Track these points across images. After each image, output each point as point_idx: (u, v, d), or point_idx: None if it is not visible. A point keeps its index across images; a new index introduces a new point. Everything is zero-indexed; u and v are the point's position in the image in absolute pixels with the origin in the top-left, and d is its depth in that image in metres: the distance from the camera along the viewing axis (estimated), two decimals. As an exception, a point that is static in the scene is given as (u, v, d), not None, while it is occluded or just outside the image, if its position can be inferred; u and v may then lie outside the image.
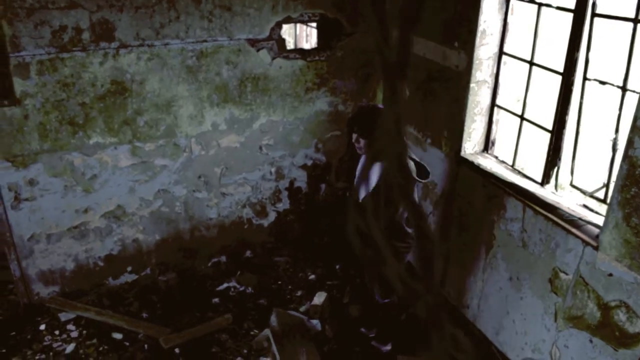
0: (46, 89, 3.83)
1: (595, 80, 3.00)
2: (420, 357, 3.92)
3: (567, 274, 3.13)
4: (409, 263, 3.72)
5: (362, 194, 3.53)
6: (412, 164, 3.41)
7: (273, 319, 4.10)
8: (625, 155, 2.67)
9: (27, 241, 4.19)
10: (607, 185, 3.06)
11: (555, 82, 3.31)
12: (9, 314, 4.32)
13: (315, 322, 4.19)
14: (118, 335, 4.11)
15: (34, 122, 3.88)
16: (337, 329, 4.19)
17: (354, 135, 3.41)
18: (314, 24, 4.93)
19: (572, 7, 3.08)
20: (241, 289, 4.70)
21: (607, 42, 3.98)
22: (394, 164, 1.10)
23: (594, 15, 2.97)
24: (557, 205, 3.25)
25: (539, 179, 3.54)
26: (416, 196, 3.56)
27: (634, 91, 2.74)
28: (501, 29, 3.64)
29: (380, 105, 3.48)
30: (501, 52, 3.70)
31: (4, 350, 3.93)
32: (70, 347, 3.99)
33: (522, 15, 3.67)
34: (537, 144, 4.22)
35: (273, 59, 4.43)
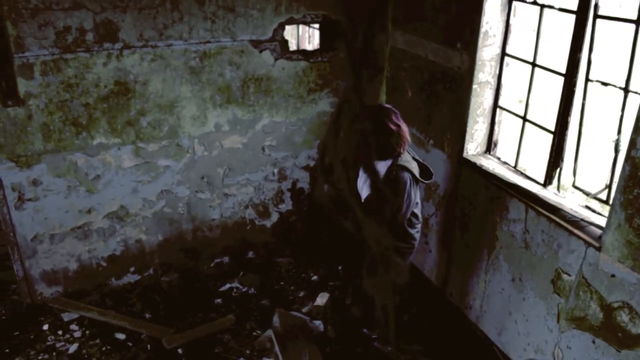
0: (50, 89, 3.84)
1: (597, 81, 3.00)
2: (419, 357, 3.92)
3: (569, 275, 3.13)
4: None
5: (365, 193, 3.55)
6: (415, 165, 3.42)
7: (275, 320, 4.11)
8: (628, 156, 2.67)
9: (31, 241, 4.20)
10: (609, 187, 3.06)
11: (557, 84, 3.31)
12: (12, 314, 4.34)
13: (317, 322, 4.20)
14: (121, 336, 4.12)
15: (38, 122, 3.89)
16: (339, 330, 4.19)
17: None
18: (317, 25, 4.93)
19: (575, 8, 3.09)
20: (244, 289, 4.70)
21: (609, 44, 3.98)
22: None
23: (596, 16, 2.97)
24: (559, 206, 3.25)
25: (542, 180, 3.54)
26: (418, 198, 3.56)
27: (636, 92, 2.75)
28: (503, 30, 3.65)
29: (388, 105, 3.48)
30: (504, 54, 3.70)
31: (7, 350, 3.95)
32: (73, 347, 4.00)
33: (524, 16, 3.67)
34: (539, 145, 4.22)
35: (276, 60, 4.44)
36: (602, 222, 2.99)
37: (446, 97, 4.04)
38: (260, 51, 4.36)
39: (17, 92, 3.77)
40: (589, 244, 2.96)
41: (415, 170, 3.38)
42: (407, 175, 3.30)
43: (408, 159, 3.39)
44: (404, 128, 3.34)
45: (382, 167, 3.40)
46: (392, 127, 3.28)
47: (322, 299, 4.35)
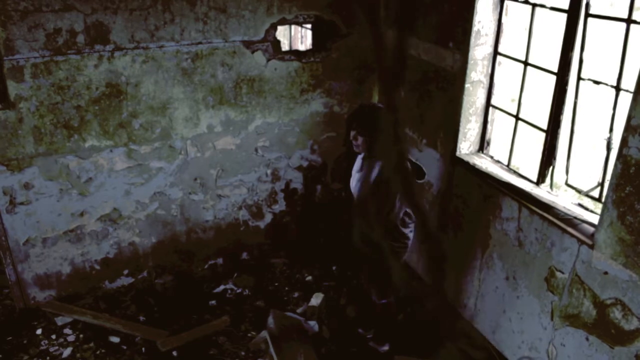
0: (41, 92, 3.81)
1: (589, 80, 3.02)
2: (418, 359, 3.92)
3: (563, 272, 3.15)
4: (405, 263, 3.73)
5: (357, 192, 3.55)
6: (407, 165, 3.43)
7: (270, 321, 4.10)
8: (620, 154, 2.68)
9: (23, 245, 4.17)
10: (601, 184, 3.08)
11: (549, 82, 3.33)
12: (5, 318, 4.30)
13: (312, 323, 4.19)
14: (115, 339, 4.10)
15: (29, 125, 3.87)
16: (334, 330, 4.19)
17: (352, 133, 3.42)
18: (309, 26, 4.93)
19: (566, 7, 3.10)
20: (238, 290, 4.69)
21: (600, 42, 4.00)
22: (394, 165, 1.13)
23: (587, 15, 2.99)
24: (552, 204, 3.27)
25: (535, 179, 3.56)
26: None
27: (627, 91, 2.76)
28: (496, 29, 3.66)
29: (381, 105, 3.49)
30: (496, 53, 3.71)
31: (0, 356, 3.91)
32: (67, 352, 3.98)
33: (516, 15, 3.69)
34: (532, 144, 4.24)
35: (268, 60, 4.43)
36: (594, 219, 3.01)
37: (439, 96, 4.05)
38: (253, 52, 4.35)
39: (8, 95, 3.74)
40: (582, 242, 2.98)
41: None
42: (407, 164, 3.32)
43: None
44: None
45: (375, 167, 3.41)
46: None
47: (316, 300, 4.35)
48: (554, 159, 3.44)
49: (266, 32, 4.33)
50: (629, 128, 2.62)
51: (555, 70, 3.25)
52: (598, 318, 2.94)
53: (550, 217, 3.19)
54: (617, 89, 2.85)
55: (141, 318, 4.34)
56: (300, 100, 4.68)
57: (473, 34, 3.62)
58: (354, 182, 3.60)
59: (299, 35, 6.96)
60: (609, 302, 2.86)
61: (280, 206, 5.05)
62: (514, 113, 3.68)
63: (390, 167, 3.33)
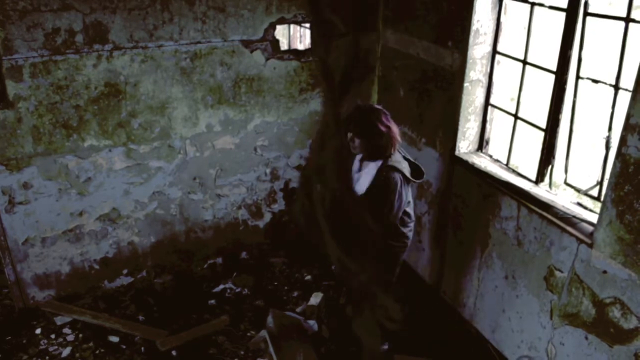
0: (39, 91, 3.81)
1: (588, 78, 3.02)
2: (418, 358, 3.93)
3: (562, 271, 3.15)
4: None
5: (356, 193, 3.55)
6: (406, 165, 3.42)
7: (270, 320, 4.10)
8: (619, 153, 2.68)
9: (22, 245, 4.17)
10: (600, 183, 3.08)
11: (548, 81, 3.33)
12: (4, 318, 4.30)
13: (311, 322, 4.20)
14: (114, 339, 4.10)
15: (28, 125, 3.86)
16: (333, 330, 4.19)
17: (349, 135, 3.41)
18: (308, 25, 4.93)
19: (565, 6, 3.10)
20: (237, 290, 4.69)
21: (599, 41, 4.00)
22: (331, 155, 1.14)
23: (586, 14, 2.99)
24: (551, 203, 3.27)
25: (533, 178, 3.56)
26: (410, 196, 3.57)
27: (626, 89, 2.76)
28: (494, 28, 3.66)
29: (377, 106, 3.49)
30: (495, 52, 3.71)
31: (0, 355, 3.92)
32: (66, 351, 3.98)
33: (515, 14, 3.68)
34: (531, 143, 4.24)
35: (267, 60, 4.43)
36: (593, 218, 3.01)
37: (438, 95, 4.05)
38: (252, 51, 4.35)
39: (6, 95, 3.74)
40: (581, 241, 2.98)
41: (406, 170, 3.38)
42: (397, 176, 3.31)
43: (399, 159, 3.39)
44: (394, 129, 3.35)
45: (372, 168, 3.41)
46: (382, 128, 3.28)
47: (316, 299, 4.35)
48: (553, 157, 3.44)
49: (265, 31, 4.33)
50: (627, 127, 2.62)
51: (554, 69, 3.25)
52: (597, 317, 2.94)
53: (549, 216, 3.19)
54: (616, 87, 2.85)
55: (140, 318, 4.34)
56: (299, 99, 4.68)
57: (472, 33, 3.62)
58: (352, 183, 3.60)
59: (298, 35, 6.95)
60: (608, 301, 2.86)
61: (279, 205, 5.04)
62: (513, 112, 3.68)
63: (388, 166, 3.33)
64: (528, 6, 3.38)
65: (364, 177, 3.47)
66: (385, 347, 4.01)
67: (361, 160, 3.54)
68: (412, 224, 3.62)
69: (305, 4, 4.33)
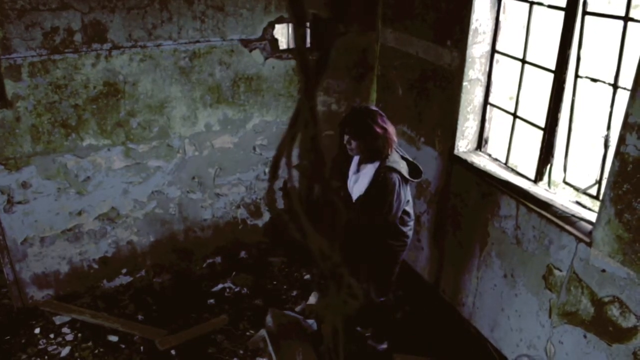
0: (38, 91, 3.81)
1: (586, 77, 3.02)
2: (417, 357, 3.93)
3: (561, 270, 3.15)
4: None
5: (355, 194, 3.55)
6: (404, 164, 3.42)
7: (269, 319, 4.10)
8: (617, 152, 2.69)
9: (21, 244, 4.16)
10: (599, 182, 3.08)
11: (547, 80, 3.33)
12: (3, 318, 4.30)
13: (311, 321, 4.20)
14: (114, 338, 4.10)
15: (26, 124, 3.86)
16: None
17: (346, 137, 3.41)
18: (307, 24, 4.92)
19: (564, 5, 3.10)
20: (236, 289, 4.69)
21: (598, 40, 4.00)
22: (308, 147, 1.13)
23: (584, 13, 2.99)
24: (550, 202, 3.27)
25: (532, 177, 3.56)
26: (409, 195, 3.57)
27: (625, 88, 2.77)
28: (493, 27, 3.66)
29: (374, 107, 3.48)
30: (493, 51, 3.71)
31: (-2, 355, 3.92)
32: (65, 351, 3.98)
33: (514, 13, 3.69)
34: (530, 142, 4.24)
35: (266, 59, 4.43)
36: (592, 217, 3.01)
37: (437, 94, 4.05)
38: (250, 50, 4.35)
39: (5, 94, 3.73)
40: (579, 240, 2.98)
41: (404, 169, 3.37)
42: (395, 176, 3.30)
43: (396, 159, 3.38)
44: (391, 130, 3.34)
45: (370, 169, 3.41)
46: (378, 130, 3.27)
47: (315, 298, 4.35)
48: (552, 156, 3.44)
49: (264, 30, 4.33)
50: (626, 126, 2.62)
51: (553, 68, 3.25)
52: (596, 315, 2.94)
53: (548, 215, 3.19)
54: (615, 86, 2.85)
55: (139, 317, 4.34)
56: (298, 98, 4.67)
57: (471, 32, 3.62)
58: (350, 184, 3.60)
59: (297, 34, 6.95)
60: (606, 299, 2.86)
61: (278, 205, 5.04)
62: (512, 111, 3.69)
63: (385, 166, 3.33)
64: (527, 5, 3.38)
65: (362, 179, 3.47)
66: (385, 345, 4.02)
67: (359, 162, 3.54)
68: (411, 223, 3.62)
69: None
